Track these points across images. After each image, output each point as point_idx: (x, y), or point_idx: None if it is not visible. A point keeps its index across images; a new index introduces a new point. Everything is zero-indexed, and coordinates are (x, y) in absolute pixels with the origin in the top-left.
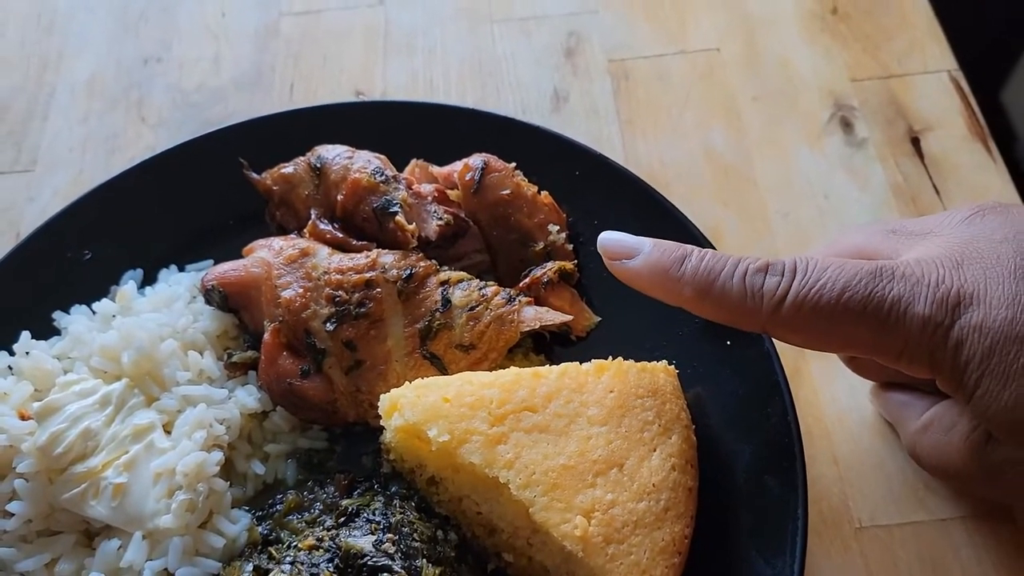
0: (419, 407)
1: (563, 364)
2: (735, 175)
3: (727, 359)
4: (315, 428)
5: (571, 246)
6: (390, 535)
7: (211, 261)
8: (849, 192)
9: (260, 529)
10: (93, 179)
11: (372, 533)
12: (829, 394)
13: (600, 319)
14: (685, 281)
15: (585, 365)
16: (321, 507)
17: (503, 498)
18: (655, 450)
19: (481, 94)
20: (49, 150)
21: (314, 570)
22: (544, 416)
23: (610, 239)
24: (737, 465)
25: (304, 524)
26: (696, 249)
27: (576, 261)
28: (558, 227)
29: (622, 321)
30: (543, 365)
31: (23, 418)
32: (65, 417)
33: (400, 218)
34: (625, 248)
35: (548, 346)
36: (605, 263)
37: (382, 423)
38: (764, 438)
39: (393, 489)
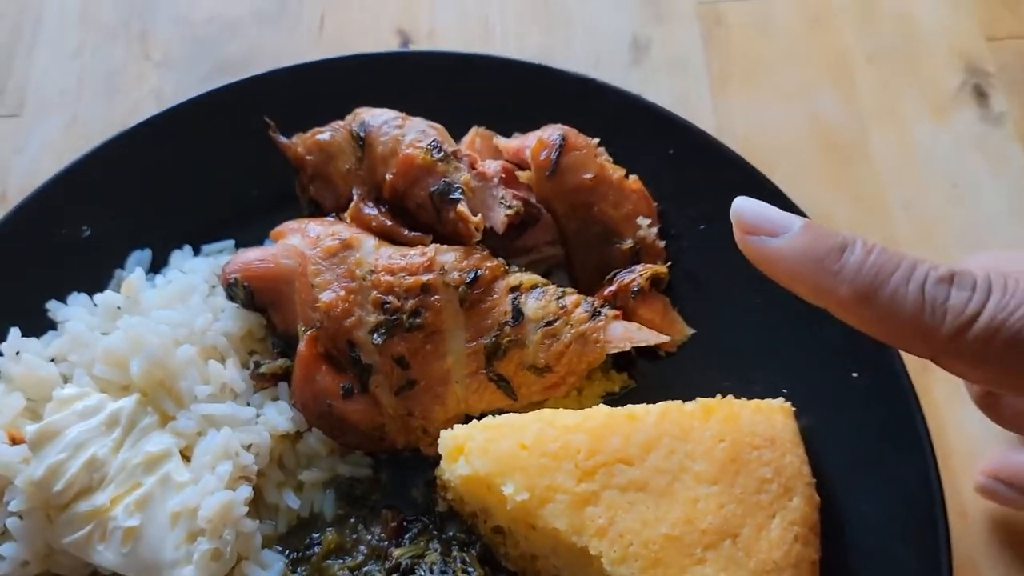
0: (491, 455)
1: (662, 404)
2: (846, 151)
3: (851, 393)
4: (357, 453)
5: (663, 243)
6: None
7: (232, 243)
8: (982, 178)
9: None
10: (89, 127)
11: None
12: (955, 420)
13: (694, 331)
14: (844, 278)
15: (689, 406)
16: (366, 550)
17: (592, 570)
18: (774, 516)
19: (546, 40)
20: (37, 90)
21: None
22: (642, 471)
23: (750, 209)
24: (861, 525)
25: (347, 572)
26: (860, 238)
27: (669, 262)
28: (649, 220)
29: (719, 334)
30: (625, 385)
31: (14, 441)
32: (66, 445)
33: (463, 207)
34: (769, 222)
35: (632, 362)
36: (736, 237)
37: (442, 464)
38: (896, 495)
39: (451, 533)
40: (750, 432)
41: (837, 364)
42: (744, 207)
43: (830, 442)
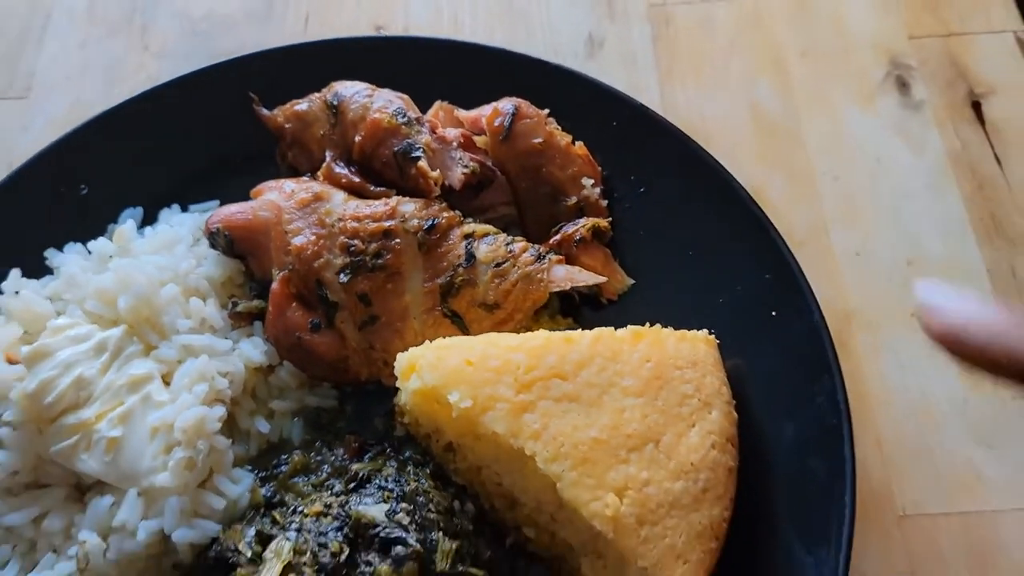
0: (440, 369)
1: (596, 329)
2: (781, 133)
3: (771, 331)
4: (324, 386)
5: (605, 202)
6: (404, 504)
7: (217, 202)
8: (903, 157)
9: (263, 491)
10: (91, 109)
11: (385, 501)
12: (876, 370)
13: (633, 282)
14: None
15: (620, 332)
16: (329, 470)
17: (527, 470)
18: (694, 426)
19: (510, 35)
20: (44, 76)
21: (322, 539)
22: (575, 385)
23: (938, 297)
24: (778, 445)
25: (311, 487)
26: None
27: (610, 218)
28: (592, 181)
29: (657, 285)
30: (571, 329)
31: (10, 362)
32: (57, 363)
33: (423, 164)
34: (963, 313)
35: (576, 308)
36: (918, 316)
37: (398, 384)
38: (809, 417)
39: (407, 454)
40: (675, 355)
41: (758, 307)
42: (930, 293)
43: (753, 372)
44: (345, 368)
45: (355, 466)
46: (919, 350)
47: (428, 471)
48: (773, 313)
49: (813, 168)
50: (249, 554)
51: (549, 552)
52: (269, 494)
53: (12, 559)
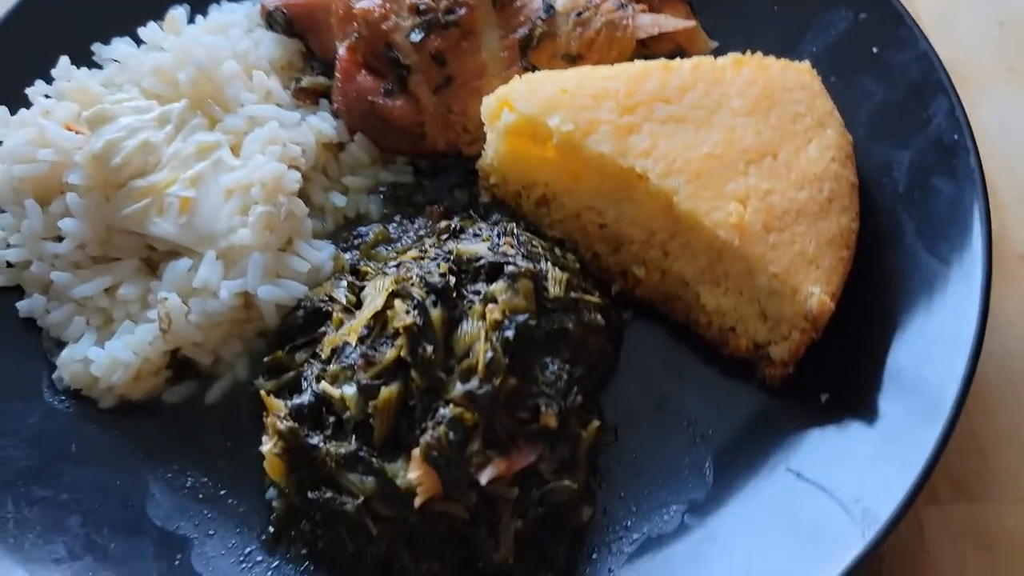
0: (535, 98)
1: (694, 57)
2: None
3: (874, 67)
4: (399, 161)
5: None
6: (507, 239)
7: None
8: None
9: (347, 257)
10: None
11: (484, 241)
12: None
13: (717, 44)
14: None
15: (720, 59)
16: (414, 238)
17: (637, 195)
18: (811, 141)
19: None
20: None
21: (426, 268)
22: (680, 107)
23: None
24: (899, 169)
25: (395, 255)
26: None
27: None
28: None
29: (740, 46)
30: None
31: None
32: (121, 127)
33: None
34: None
35: None
36: None
37: (485, 128)
38: (928, 140)
39: (495, 218)
40: (780, 79)
41: (857, 43)
42: None
43: (859, 106)
44: (422, 135)
45: (444, 223)
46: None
47: (522, 227)
48: (874, 50)
49: None
50: (344, 302)
51: (660, 293)
52: (353, 261)
53: (87, 332)
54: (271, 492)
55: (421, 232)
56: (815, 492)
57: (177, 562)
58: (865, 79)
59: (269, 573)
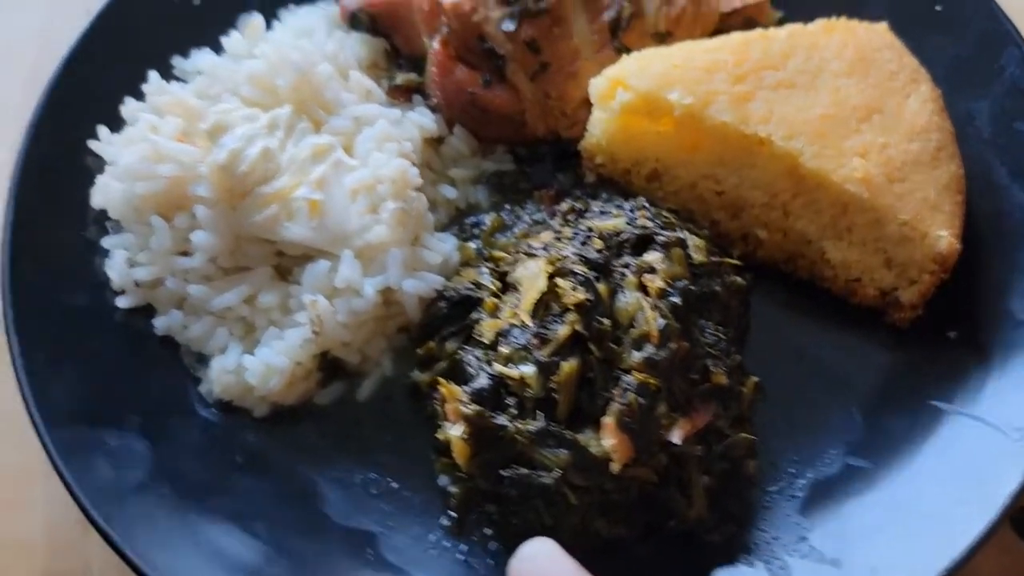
0: (649, 75)
1: (787, 26)
2: None
3: (939, 23)
4: (498, 150)
5: None
6: (641, 211)
7: None
8: None
9: (472, 245)
10: None
11: (617, 216)
12: None
13: (782, 14)
14: None
15: (810, 26)
16: (529, 222)
17: (759, 160)
18: (909, 96)
19: None
20: None
21: (577, 247)
22: (787, 73)
23: None
24: (978, 121)
25: (516, 240)
26: None
27: None
28: None
29: (804, 15)
30: None
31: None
32: (239, 136)
33: None
34: None
35: None
36: None
37: (595, 110)
38: (1004, 88)
39: (604, 196)
40: (867, 41)
41: (920, 6)
42: None
43: (932, 66)
44: (522, 123)
45: (563, 206)
46: None
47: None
48: (937, 8)
49: None
50: (492, 287)
51: (783, 253)
52: (478, 248)
53: (231, 342)
54: (442, 479)
55: (536, 216)
56: (970, 422)
57: (371, 556)
58: (934, 37)
59: (459, 556)
